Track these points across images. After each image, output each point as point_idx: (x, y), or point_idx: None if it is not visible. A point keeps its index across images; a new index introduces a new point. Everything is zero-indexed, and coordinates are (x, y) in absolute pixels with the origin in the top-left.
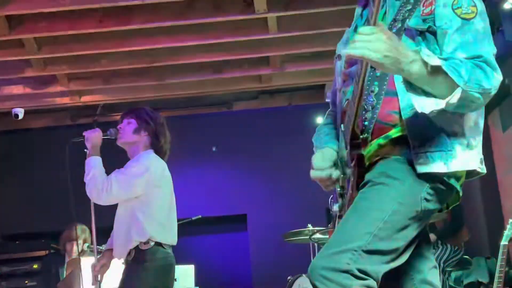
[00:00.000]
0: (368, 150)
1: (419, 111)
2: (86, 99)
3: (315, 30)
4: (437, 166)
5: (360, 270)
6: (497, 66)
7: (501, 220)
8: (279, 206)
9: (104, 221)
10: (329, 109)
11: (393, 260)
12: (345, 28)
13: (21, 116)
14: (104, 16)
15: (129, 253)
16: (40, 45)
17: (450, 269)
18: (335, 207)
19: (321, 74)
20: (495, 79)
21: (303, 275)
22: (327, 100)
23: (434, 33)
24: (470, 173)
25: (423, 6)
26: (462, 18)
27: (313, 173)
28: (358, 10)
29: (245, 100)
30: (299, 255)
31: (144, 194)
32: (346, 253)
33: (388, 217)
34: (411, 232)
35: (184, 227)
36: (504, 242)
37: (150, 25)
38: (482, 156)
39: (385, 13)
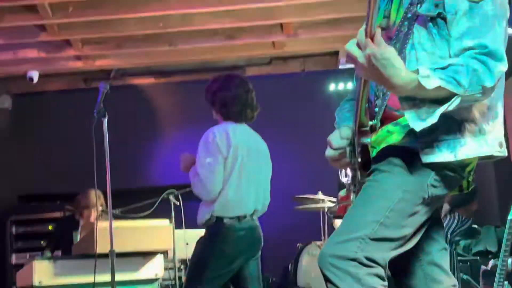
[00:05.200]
0: (376, 137)
1: (411, 126)
2: (100, 63)
3: None
4: (443, 155)
5: (367, 258)
6: (503, 54)
7: None
8: (290, 172)
9: (119, 184)
10: (354, 86)
11: (400, 246)
12: None
13: (35, 79)
14: None
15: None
16: (54, 11)
17: (458, 238)
18: (341, 192)
19: (334, 41)
20: (498, 72)
21: (313, 242)
22: (340, 67)
23: (445, 19)
24: (487, 157)
25: None
26: (470, 1)
27: (328, 152)
28: None
29: (257, 66)
30: (308, 222)
31: None
32: (353, 241)
33: (394, 205)
34: (419, 218)
35: None
36: (511, 216)
37: None
38: (501, 139)
39: None
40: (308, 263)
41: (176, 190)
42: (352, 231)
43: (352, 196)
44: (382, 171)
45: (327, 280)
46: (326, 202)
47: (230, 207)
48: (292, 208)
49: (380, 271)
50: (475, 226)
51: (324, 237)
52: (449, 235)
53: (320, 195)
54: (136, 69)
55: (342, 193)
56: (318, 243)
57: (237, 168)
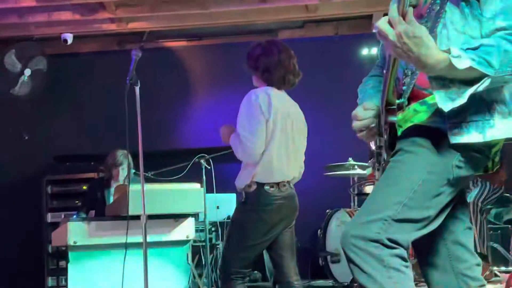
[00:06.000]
0: (403, 115)
1: (439, 106)
2: (133, 26)
3: None
4: (471, 136)
5: (390, 239)
6: None
7: None
8: (321, 137)
9: (151, 146)
10: (377, 60)
11: (424, 227)
12: None
13: (70, 41)
14: None
15: (241, 194)
16: None
17: (489, 206)
18: (366, 171)
19: (368, 4)
20: None
21: (342, 209)
22: (374, 31)
23: None
24: None
25: None
26: None
27: (355, 124)
28: None
29: (290, 29)
30: (338, 188)
31: None
32: (376, 222)
33: (417, 187)
34: (444, 199)
35: (227, 156)
36: None
37: None
38: None
39: None
40: (337, 230)
41: (207, 155)
42: (375, 212)
43: (376, 174)
44: (406, 152)
45: (349, 260)
46: (357, 168)
47: (271, 172)
48: (322, 174)
49: (403, 252)
50: (507, 194)
51: (354, 203)
52: (480, 204)
53: (350, 162)
54: (168, 32)
55: (368, 171)
56: (347, 210)
57: (278, 132)
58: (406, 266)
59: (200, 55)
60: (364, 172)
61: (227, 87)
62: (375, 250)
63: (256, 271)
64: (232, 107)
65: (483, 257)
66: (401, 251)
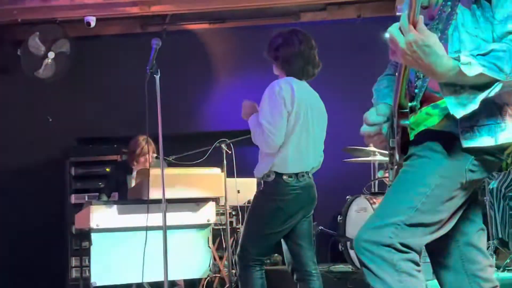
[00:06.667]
0: (415, 118)
1: (451, 112)
2: (155, 9)
3: None
4: (483, 140)
5: (402, 244)
6: None
7: None
8: (342, 122)
9: (172, 129)
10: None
11: (436, 230)
12: None
13: (93, 24)
14: None
15: (260, 183)
16: None
17: (511, 194)
18: (378, 174)
19: None
20: None
21: (362, 195)
22: (397, 14)
23: (490, 1)
24: None
25: None
26: None
27: (363, 128)
28: None
29: (312, 11)
30: (359, 173)
31: None
32: (389, 227)
33: (431, 192)
34: (457, 202)
35: (248, 140)
36: None
37: None
38: None
39: None
40: (357, 216)
41: (228, 139)
42: (388, 216)
43: (389, 173)
44: (419, 156)
45: (362, 264)
46: (377, 155)
47: (290, 163)
48: (343, 159)
49: (415, 256)
50: None
51: (374, 189)
52: (503, 190)
53: (371, 147)
54: (191, 15)
55: (380, 174)
56: (367, 196)
57: (300, 124)
58: (419, 270)
59: (222, 38)
60: (386, 159)
61: (249, 70)
62: (387, 254)
63: (276, 254)
64: (254, 90)
65: (504, 243)
66: (413, 255)
